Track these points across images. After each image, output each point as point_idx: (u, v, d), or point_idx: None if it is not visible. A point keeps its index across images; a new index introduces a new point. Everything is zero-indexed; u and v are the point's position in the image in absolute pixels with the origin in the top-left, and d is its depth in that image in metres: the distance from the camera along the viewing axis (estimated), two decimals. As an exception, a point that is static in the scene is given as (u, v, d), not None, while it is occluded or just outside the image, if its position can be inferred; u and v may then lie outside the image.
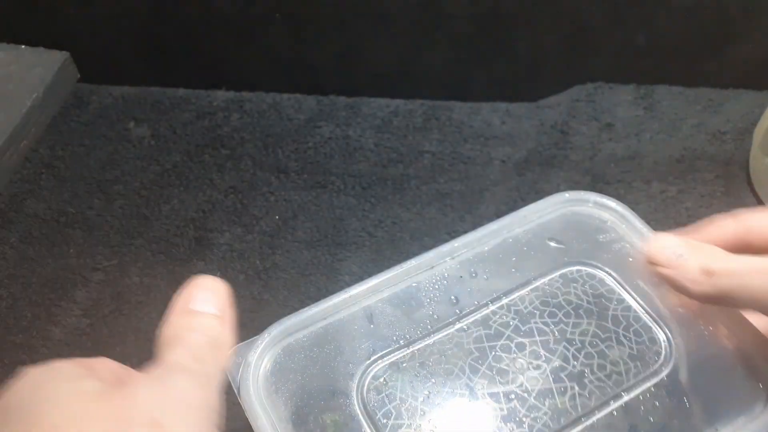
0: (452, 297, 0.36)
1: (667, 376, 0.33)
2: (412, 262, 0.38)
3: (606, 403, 0.32)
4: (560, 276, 0.37)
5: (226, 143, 0.66)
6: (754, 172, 0.59)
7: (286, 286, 0.54)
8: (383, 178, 0.62)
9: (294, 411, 0.32)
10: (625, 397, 0.32)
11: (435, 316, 0.36)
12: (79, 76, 0.73)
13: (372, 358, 0.34)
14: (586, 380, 0.33)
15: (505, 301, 0.36)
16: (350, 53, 0.69)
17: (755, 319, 0.35)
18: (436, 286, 0.37)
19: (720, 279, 0.31)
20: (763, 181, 0.58)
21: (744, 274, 0.31)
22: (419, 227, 0.58)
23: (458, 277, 0.37)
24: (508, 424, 0.32)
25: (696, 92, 0.68)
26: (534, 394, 0.33)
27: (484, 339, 0.35)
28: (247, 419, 0.32)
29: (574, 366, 0.33)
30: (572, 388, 0.33)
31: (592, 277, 0.37)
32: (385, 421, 0.32)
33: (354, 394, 0.33)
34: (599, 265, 0.37)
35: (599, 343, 0.34)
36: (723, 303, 0.32)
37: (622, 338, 0.34)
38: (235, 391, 0.33)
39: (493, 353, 0.34)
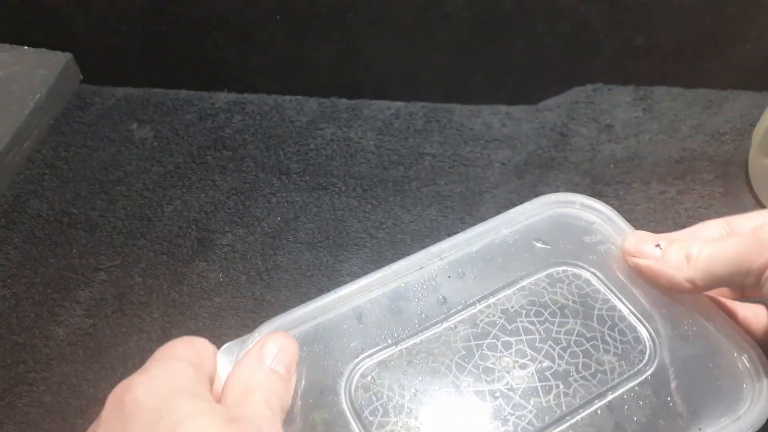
0: (440, 296, 0.37)
1: (652, 375, 0.33)
2: (401, 263, 0.38)
3: (591, 402, 0.33)
4: (546, 276, 0.37)
5: (228, 145, 0.67)
6: (754, 173, 0.59)
7: (288, 287, 0.55)
8: (384, 180, 0.63)
9: (283, 408, 0.33)
10: (610, 396, 0.33)
11: (423, 316, 0.36)
12: (81, 77, 0.73)
13: (360, 357, 0.35)
14: (571, 379, 0.33)
15: (492, 300, 0.37)
16: (351, 56, 0.70)
17: (741, 322, 0.36)
18: (425, 286, 0.37)
19: (699, 261, 0.32)
20: (763, 182, 0.58)
21: (720, 247, 0.32)
22: (420, 229, 0.58)
23: (446, 277, 0.38)
24: (494, 422, 0.32)
25: (695, 93, 0.67)
26: (519, 393, 0.33)
27: (471, 338, 0.35)
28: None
29: (559, 365, 0.34)
30: (557, 386, 0.33)
31: (578, 277, 0.37)
32: (372, 418, 0.32)
33: (342, 392, 0.33)
34: (585, 265, 0.38)
35: (584, 342, 0.34)
36: (707, 285, 0.33)
37: (608, 338, 0.35)
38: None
39: (480, 352, 0.35)
